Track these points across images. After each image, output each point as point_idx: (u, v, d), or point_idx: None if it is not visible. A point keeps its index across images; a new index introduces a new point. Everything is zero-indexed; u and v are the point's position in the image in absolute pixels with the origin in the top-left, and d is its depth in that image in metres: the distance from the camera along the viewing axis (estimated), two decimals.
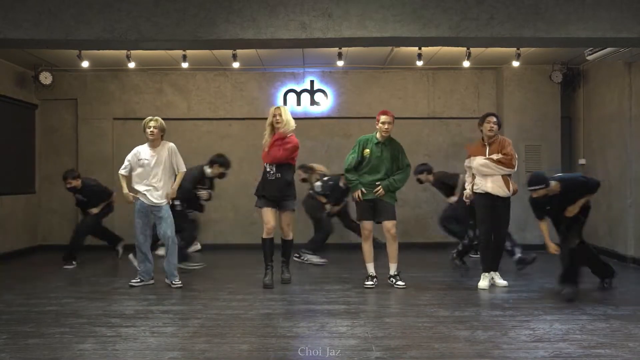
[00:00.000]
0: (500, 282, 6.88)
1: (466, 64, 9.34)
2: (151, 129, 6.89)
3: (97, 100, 10.41)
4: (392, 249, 6.88)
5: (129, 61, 9.13)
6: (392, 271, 6.90)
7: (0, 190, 9.15)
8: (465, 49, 8.69)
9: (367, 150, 6.91)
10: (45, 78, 9.81)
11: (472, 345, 4.66)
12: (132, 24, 5.62)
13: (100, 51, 8.30)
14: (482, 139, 6.87)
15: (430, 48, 8.44)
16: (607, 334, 4.91)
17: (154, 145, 6.96)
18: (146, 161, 6.91)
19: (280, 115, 6.92)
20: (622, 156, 8.62)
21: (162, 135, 7.02)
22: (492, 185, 6.70)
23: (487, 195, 6.74)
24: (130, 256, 7.76)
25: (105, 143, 10.36)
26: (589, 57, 8.47)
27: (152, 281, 7.04)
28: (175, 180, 7.00)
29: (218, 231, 10.12)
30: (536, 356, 4.36)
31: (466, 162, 7.00)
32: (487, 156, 6.74)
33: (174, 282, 6.89)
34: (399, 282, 6.82)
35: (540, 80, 10.17)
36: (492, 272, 6.88)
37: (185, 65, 9.41)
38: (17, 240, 9.61)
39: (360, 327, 5.16)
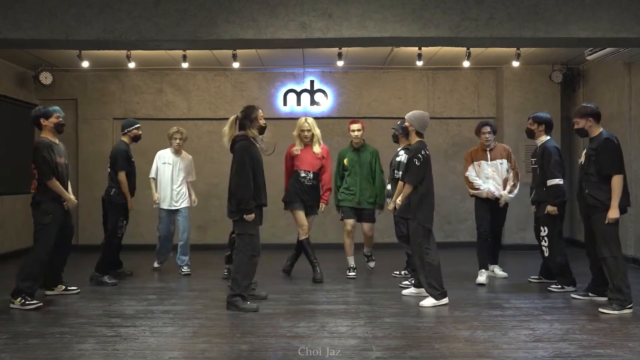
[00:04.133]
0: (500, 273, 7.43)
1: (466, 64, 9.34)
2: (178, 141, 7.89)
3: (97, 100, 10.41)
4: (368, 243, 7.78)
5: (129, 61, 9.13)
6: (366, 252, 7.82)
7: (0, 190, 9.15)
8: (465, 49, 8.69)
9: (347, 159, 7.62)
10: (46, 78, 9.82)
11: (472, 345, 4.66)
12: (132, 24, 5.62)
13: (101, 51, 8.30)
14: (480, 147, 7.31)
15: (430, 48, 8.44)
16: (607, 334, 4.91)
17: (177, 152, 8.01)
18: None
19: (309, 130, 7.43)
20: (623, 156, 8.60)
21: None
22: (493, 188, 7.10)
23: (486, 198, 7.15)
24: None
25: (105, 143, 10.35)
26: (588, 57, 8.47)
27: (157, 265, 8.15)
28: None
29: (219, 231, 10.10)
30: (536, 356, 4.36)
31: (469, 172, 7.26)
32: (490, 161, 7.22)
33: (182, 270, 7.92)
34: (370, 263, 7.87)
35: (540, 80, 10.17)
36: (492, 265, 7.43)
37: (185, 65, 9.41)
38: (17, 240, 9.61)
39: (360, 327, 5.17)
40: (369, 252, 7.87)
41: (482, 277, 7.10)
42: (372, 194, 7.55)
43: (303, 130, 7.44)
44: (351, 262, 7.62)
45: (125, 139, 7.55)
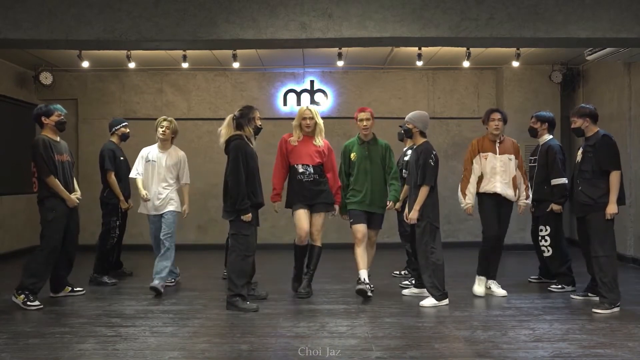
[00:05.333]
0: (499, 291, 6.42)
1: (466, 64, 9.35)
2: (163, 129, 6.88)
3: (97, 100, 10.42)
4: (369, 255, 6.46)
5: (129, 61, 9.13)
6: (363, 277, 6.28)
7: (0, 190, 9.15)
8: (465, 49, 8.70)
9: (354, 154, 6.54)
10: (46, 78, 9.83)
11: (472, 345, 4.66)
12: (132, 24, 5.62)
13: (101, 51, 8.30)
14: (488, 137, 6.45)
15: (430, 48, 8.44)
16: (607, 334, 4.91)
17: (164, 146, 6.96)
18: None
19: (312, 119, 6.44)
20: (622, 156, 8.48)
21: (173, 137, 7.02)
22: (501, 185, 6.31)
23: (495, 196, 6.34)
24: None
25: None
26: (588, 57, 8.47)
27: (173, 282, 7.07)
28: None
29: (219, 231, 10.10)
30: (536, 356, 4.36)
31: (475, 163, 6.38)
32: (499, 154, 6.36)
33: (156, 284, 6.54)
34: (368, 291, 6.29)
35: (540, 81, 10.18)
36: (489, 281, 6.46)
37: (185, 65, 9.42)
38: (17, 240, 9.61)
39: (360, 327, 5.17)
40: (366, 277, 6.35)
41: (479, 287, 6.44)
42: (385, 197, 6.54)
43: (305, 119, 6.42)
44: (363, 275, 6.29)
45: (113, 138, 7.45)
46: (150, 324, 5.31)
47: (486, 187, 6.35)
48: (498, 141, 6.42)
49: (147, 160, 6.87)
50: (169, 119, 6.99)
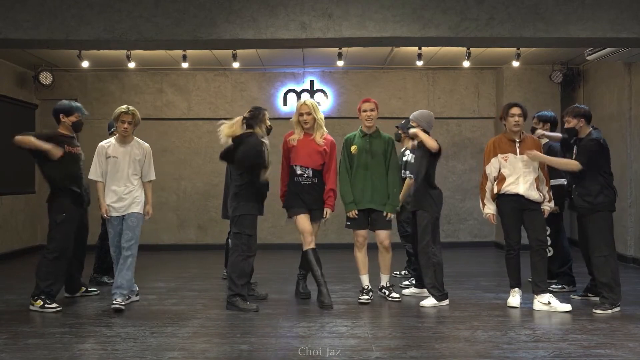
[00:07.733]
0: (560, 306, 5.69)
1: (466, 64, 9.35)
2: (126, 125, 6.03)
3: (97, 100, 10.41)
4: (385, 260, 6.20)
5: (129, 61, 9.13)
6: (384, 282, 6.28)
7: (0, 190, 9.15)
8: (465, 49, 8.69)
9: (354, 147, 6.17)
10: (45, 78, 9.82)
11: (472, 345, 4.66)
12: (132, 24, 5.62)
13: (101, 51, 8.30)
14: (506, 135, 5.95)
15: (430, 48, 8.44)
16: (607, 334, 4.91)
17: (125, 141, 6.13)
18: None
19: (309, 114, 6.10)
20: (622, 156, 8.62)
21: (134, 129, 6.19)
22: (525, 187, 5.77)
23: (516, 198, 5.80)
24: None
25: None
26: (589, 57, 8.47)
27: (137, 297, 6.30)
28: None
29: (219, 231, 10.11)
30: (536, 356, 4.36)
31: (488, 168, 5.94)
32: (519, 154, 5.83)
33: (122, 299, 5.91)
34: (394, 295, 6.22)
35: (540, 80, 10.17)
36: (547, 295, 5.78)
37: (185, 65, 9.42)
38: (17, 240, 9.61)
39: (360, 327, 5.16)
40: (388, 283, 6.32)
41: (513, 299, 5.93)
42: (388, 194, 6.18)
43: (302, 114, 6.10)
44: (365, 282, 6.19)
45: (112, 138, 7.38)
46: (150, 324, 5.31)
47: (508, 188, 5.80)
48: (518, 140, 5.88)
49: (108, 157, 6.05)
50: (131, 110, 6.08)
